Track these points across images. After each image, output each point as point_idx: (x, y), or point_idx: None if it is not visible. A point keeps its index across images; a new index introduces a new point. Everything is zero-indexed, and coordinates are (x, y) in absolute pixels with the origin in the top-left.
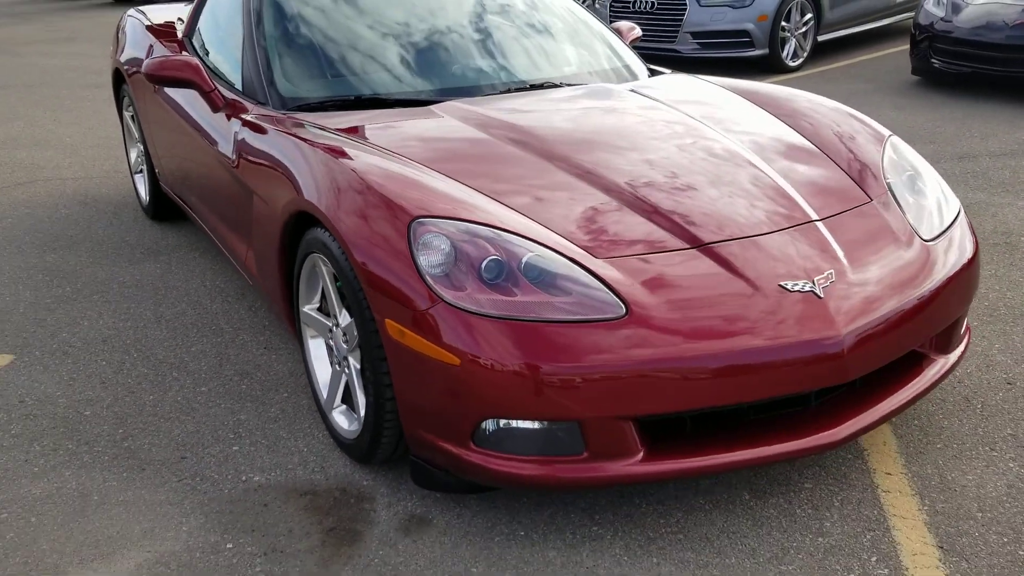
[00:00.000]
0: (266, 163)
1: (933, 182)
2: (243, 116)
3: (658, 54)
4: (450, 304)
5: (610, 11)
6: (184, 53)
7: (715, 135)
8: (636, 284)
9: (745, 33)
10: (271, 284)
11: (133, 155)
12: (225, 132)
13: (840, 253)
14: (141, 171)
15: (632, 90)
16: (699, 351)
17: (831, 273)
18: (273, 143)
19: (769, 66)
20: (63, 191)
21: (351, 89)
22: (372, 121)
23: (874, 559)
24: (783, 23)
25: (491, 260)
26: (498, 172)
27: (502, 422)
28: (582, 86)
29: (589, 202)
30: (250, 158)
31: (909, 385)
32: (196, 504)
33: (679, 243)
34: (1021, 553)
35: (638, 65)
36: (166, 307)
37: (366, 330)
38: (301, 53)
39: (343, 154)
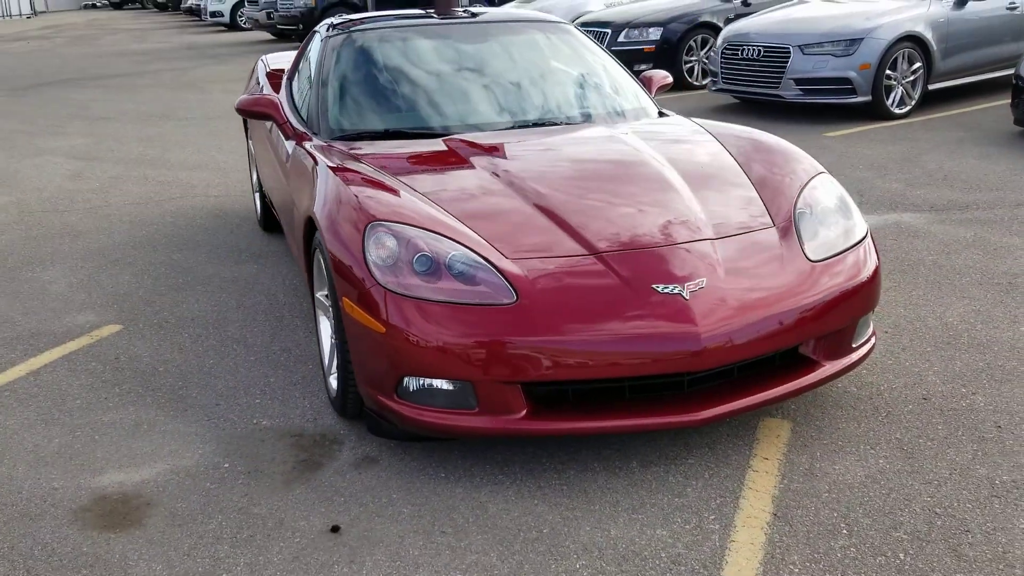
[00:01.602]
0: (301, 179)
1: (845, 215)
2: (303, 143)
3: (762, 99)
4: (383, 286)
5: (721, 57)
6: (270, 92)
7: (658, 166)
8: (531, 279)
9: (847, 81)
10: (304, 277)
11: (254, 176)
12: (295, 155)
13: (720, 266)
14: (259, 190)
15: (621, 130)
16: (570, 333)
17: (703, 281)
18: (307, 163)
19: (873, 113)
20: (205, 205)
21: (381, 124)
22: (385, 148)
23: (712, 517)
24: (889, 71)
25: (422, 255)
26: (462, 188)
27: (424, 380)
28: (578, 125)
29: (522, 216)
30: (294, 175)
31: (786, 384)
32: (214, 436)
33: (579, 250)
34: (843, 526)
35: (649, 108)
36: (248, 298)
37: (335, 307)
38: (349, 95)
39: (342, 171)
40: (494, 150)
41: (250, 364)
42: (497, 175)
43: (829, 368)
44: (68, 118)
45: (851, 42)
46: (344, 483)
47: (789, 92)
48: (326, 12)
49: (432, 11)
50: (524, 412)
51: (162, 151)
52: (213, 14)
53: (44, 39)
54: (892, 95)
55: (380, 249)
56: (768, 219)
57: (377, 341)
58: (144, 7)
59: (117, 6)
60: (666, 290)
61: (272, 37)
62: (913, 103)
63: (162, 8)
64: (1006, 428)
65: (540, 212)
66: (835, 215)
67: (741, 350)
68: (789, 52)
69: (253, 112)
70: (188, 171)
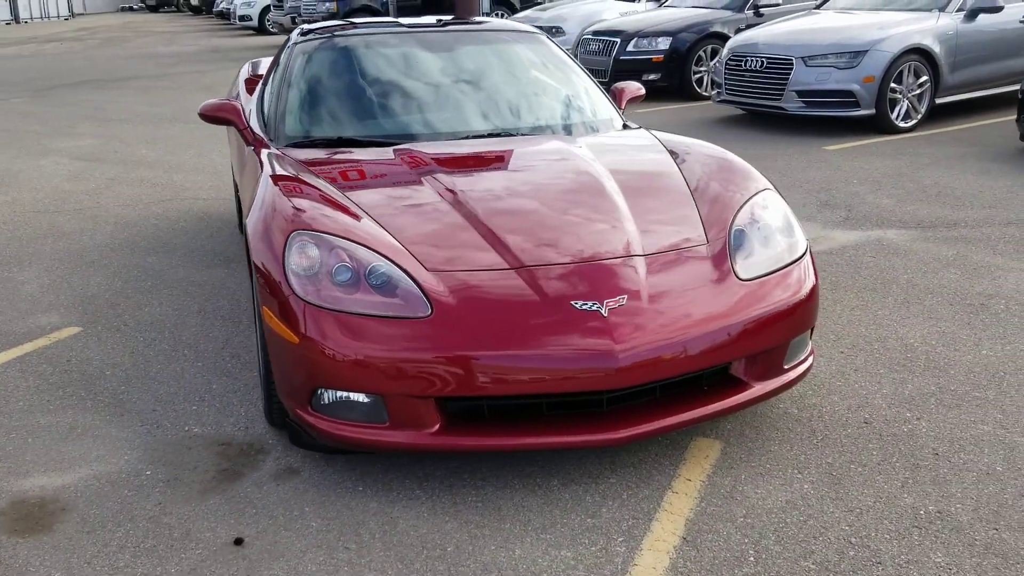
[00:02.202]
0: (252, 186)
1: (786, 233)
2: (259, 150)
3: (764, 111)
4: (299, 297)
5: (725, 68)
6: (238, 98)
7: (601, 181)
8: (448, 292)
9: (850, 93)
10: (250, 284)
11: (234, 180)
12: (248, 161)
13: (644, 283)
14: (236, 194)
15: (575, 142)
16: (483, 348)
17: (623, 298)
18: (256, 170)
19: (877, 126)
20: (192, 208)
21: (335, 131)
22: (333, 156)
23: (620, 539)
24: (894, 84)
25: (342, 266)
26: (399, 199)
27: (338, 393)
28: (532, 137)
29: (453, 229)
30: (247, 182)
31: (711, 405)
32: (143, 443)
33: (502, 264)
34: (751, 553)
35: (614, 121)
36: (211, 302)
37: (258, 317)
38: (306, 102)
39: (282, 179)
40: (441, 161)
41: (196, 370)
42: (437, 187)
43: (758, 389)
44: (81, 119)
45: (855, 54)
46: (260, 495)
47: (791, 104)
48: (348, 16)
49: (397, 19)
50: (437, 427)
51: (164, 153)
52: (242, 18)
53: (77, 40)
54: (897, 109)
55: (302, 259)
56: (703, 236)
57: (292, 352)
58: (179, 10)
59: (153, 9)
60: (584, 307)
61: None
62: (919, 117)
63: (196, 11)
64: (943, 456)
65: (472, 225)
66: (774, 233)
67: (659, 369)
68: (792, 64)
69: (215, 117)
70: (184, 174)
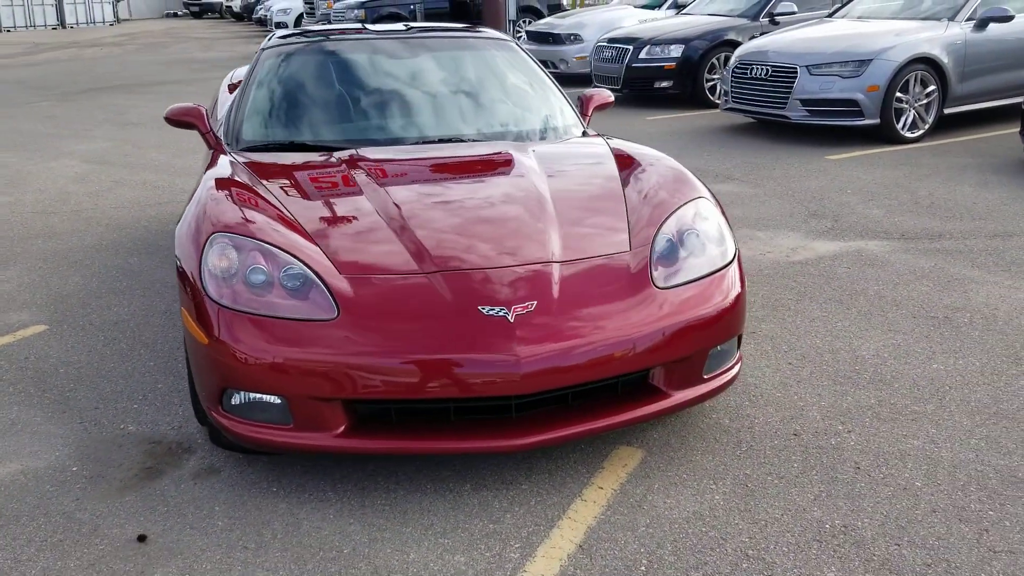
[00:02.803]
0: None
1: (715, 241)
2: (217, 154)
3: (768, 119)
4: (210, 298)
5: (732, 76)
6: (196, 103)
7: (537, 188)
8: (357, 296)
9: (854, 103)
10: None
11: None
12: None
13: (556, 289)
14: None
15: (524, 149)
16: (387, 352)
17: (532, 304)
18: (206, 172)
19: (882, 136)
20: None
21: (288, 136)
22: (278, 160)
23: (517, 546)
24: (900, 94)
25: (256, 268)
26: (330, 203)
27: (245, 394)
28: (481, 143)
29: (375, 234)
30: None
31: (623, 413)
32: (77, 439)
33: (414, 268)
34: (643, 563)
35: (573, 128)
36: (179, 303)
37: (181, 317)
38: (263, 107)
39: (219, 182)
40: (383, 167)
41: (147, 369)
42: (372, 192)
43: (675, 398)
44: (101, 123)
45: (859, 63)
46: (175, 492)
47: (795, 113)
48: (375, 24)
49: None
50: (341, 429)
51: (172, 157)
52: (278, 24)
53: (116, 46)
54: (903, 119)
55: (220, 260)
56: (627, 244)
57: (203, 352)
58: (222, 16)
59: (197, 15)
60: (491, 312)
61: None
62: (926, 127)
63: (238, 18)
64: (864, 470)
65: (394, 230)
66: (702, 241)
67: (565, 376)
68: (796, 72)
69: (179, 121)
70: (186, 178)
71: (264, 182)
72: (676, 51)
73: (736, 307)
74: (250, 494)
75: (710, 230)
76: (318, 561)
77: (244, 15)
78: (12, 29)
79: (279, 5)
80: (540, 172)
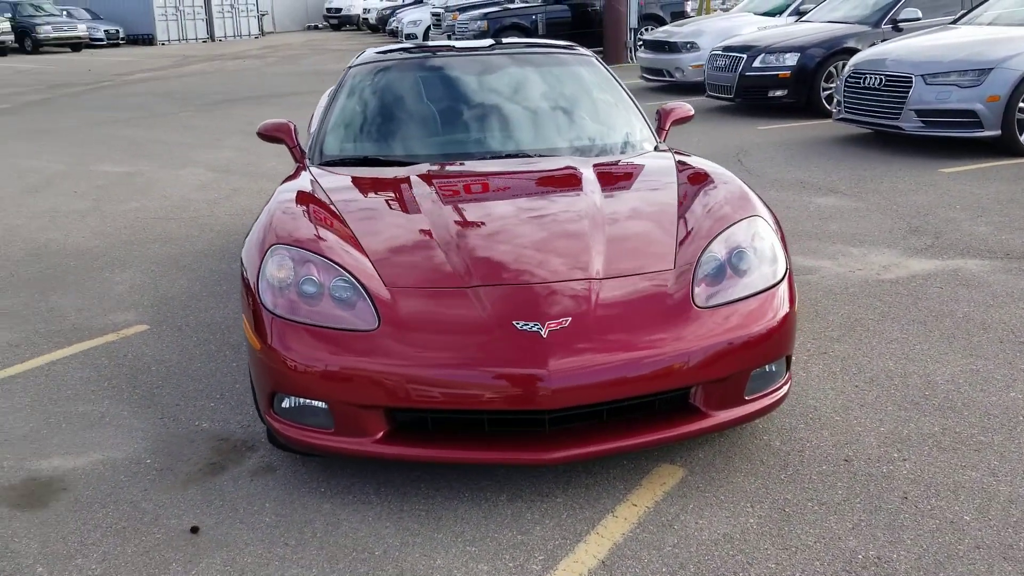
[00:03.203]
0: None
1: (765, 261)
2: (299, 168)
3: (882, 131)
4: (265, 306)
5: (844, 85)
6: (287, 119)
7: (591, 204)
8: (398, 308)
9: (972, 113)
10: None
11: None
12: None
13: (592, 306)
14: None
15: (587, 165)
16: (423, 363)
17: (567, 320)
18: (281, 185)
19: (1004, 148)
20: None
21: (364, 151)
22: (350, 174)
23: (541, 558)
24: (1023, 104)
25: (309, 279)
26: (390, 215)
27: (293, 399)
28: (547, 159)
29: (423, 247)
30: None
31: (660, 432)
32: (155, 433)
33: (457, 282)
34: None
35: (645, 143)
36: None
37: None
38: (344, 122)
39: (289, 195)
40: (445, 182)
41: (229, 370)
42: (429, 206)
43: (714, 419)
44: (230, 133)
45: (979, 72)
46: (233, 488)
47: (910, 124)
48: (498, 35)
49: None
50: (380, 435)
51: (288, 166)
52: (408, 36)
53: (257, 58)
54: None
55: (278, 271)
56: (672, 262)
57: (257, 358)
58: (359, 28)
59: (336, 27)
60: (525, 327)
61: None
62: None
63: (374, 30)
64: (912, 500)
65: (445, 246)
66: (751, 261)
67: (596, 392)
68: (911, 81)
69: (269, 136)
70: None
71: (333, 196)
72: (791, 59)
73: (782, 328)
74: (299, 493)
75: (762, 249)
76: (350, 561)
77: (379, 27)
78: (166, 43)
79: (409, 17)
80: (598, 188)
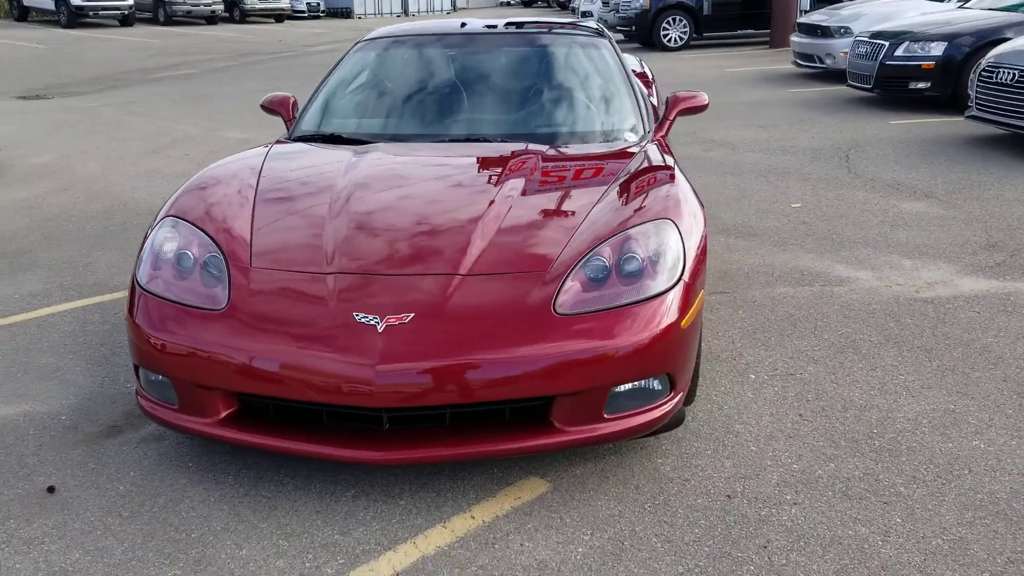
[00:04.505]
0: None
1: (660, 272)
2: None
3: (1019, 133)
4: (137, 278)
5: (978, 80)
6: (290, 94)
7: (502, 194)
8: (252, 291)
9: None
10: None
11: None
12: None
13: (442, 304)
14: None
15: (535, 152)
16: (259, 349)
17: (408, 316)
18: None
19: None
20: None
21: (330, 128)
22: (296, 151)
23: (340, 560)
24: None
25: (185, 254)
26: (296, 195)
27: (150, 372)
28: (499, 144)
29: (306, 228)
30: None
31: (504, 442)
32: (88, 392)
33: (318, 268)
34: None
35: (629, 133)
36: None
37: None
38: (324, 100)
39: (219, 169)
40: (376, 163)
41: None
42: (339, 189)
43: (564, 436)
44: None
45: None
46: (115, 453)
47: None
48: (660, 14)
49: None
50: (220, 417)
51: None
52: (584, 13)
53: None
54: None
55: (163, 243)
56: (550, 264)
57: (128, 327)
58: (549, 6)
59: (527, 3)
60: (363, 319)
61: (622, 37)
62: None
63: (562, 7)
64: (768, 551)
65: (328, 230)
66: (638, 268)
67: (428, 394)
68: None
69: (269, 108)
70: None
71: (265, 172)
72: (936, 49)
73: (657, 344)
74: (168, 466)
75: (661, 257)
76: (161, 540)
77: (566, 3)
78: (363, 16)
79: None
80: (525, 180)
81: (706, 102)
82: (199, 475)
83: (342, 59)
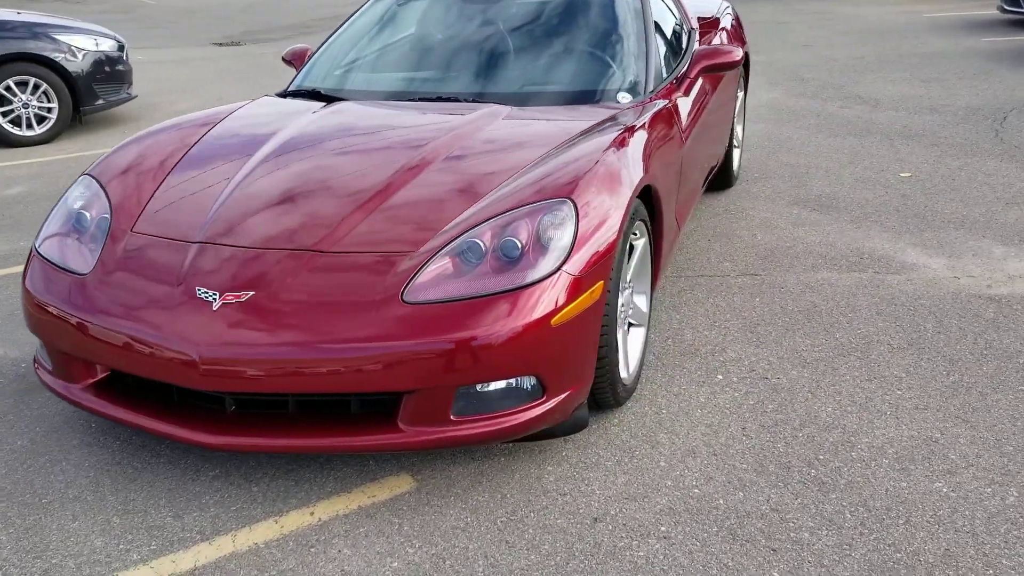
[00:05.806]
0: None
1: (549, 258)
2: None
3: None
4: (34, 240)
5: None
6: (308, 46)
7: (408, 162)
8: (118, 257)
9: None
10: None
11: None
12: None
13: (285, 282)
14: None
15: (501, 115)
16: (105, 317)
17: (247, 294)
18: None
19: None
20: None
21: (319, 84)
22: (268, 106)
23: (150, 547)
24: None
25: (82, 214)
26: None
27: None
28: (468, 104)
29: (203, 193)
30: None
31: (341, 436)
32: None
33: (189, 237)
34: None
35: (622, 95)
36: None
37: None
38: (327, 52)
39: (168, 124)
40: (318, 124)
41: None
42: (271, 151)
43: (403, 436)
44: None
45: None
46: (37, 407)
47: None
48: None
49: None
50: (84, 384)
51: None
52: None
53: None
54: None
55: (72, 202)
56: (419, 245)
57: None
58: None
59: None
60: (203, 295)
61: None
62: None
63: None
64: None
65: (223, 197)
66: (517, 252)
67: (259, 380)
68: None
69: (288, 61)
70: None
71: (216, 128)
72: None
73: (521, 340)
74: (70, 427)
75: (551, 241)
76: (13, 501)
77: None
78: None
79: None
80: (456, 147)
81: (737, 58)
82: (92, 438)
83: (355, 12)
